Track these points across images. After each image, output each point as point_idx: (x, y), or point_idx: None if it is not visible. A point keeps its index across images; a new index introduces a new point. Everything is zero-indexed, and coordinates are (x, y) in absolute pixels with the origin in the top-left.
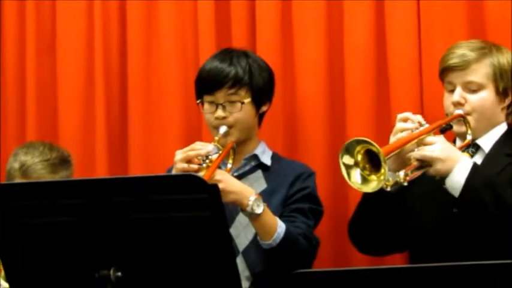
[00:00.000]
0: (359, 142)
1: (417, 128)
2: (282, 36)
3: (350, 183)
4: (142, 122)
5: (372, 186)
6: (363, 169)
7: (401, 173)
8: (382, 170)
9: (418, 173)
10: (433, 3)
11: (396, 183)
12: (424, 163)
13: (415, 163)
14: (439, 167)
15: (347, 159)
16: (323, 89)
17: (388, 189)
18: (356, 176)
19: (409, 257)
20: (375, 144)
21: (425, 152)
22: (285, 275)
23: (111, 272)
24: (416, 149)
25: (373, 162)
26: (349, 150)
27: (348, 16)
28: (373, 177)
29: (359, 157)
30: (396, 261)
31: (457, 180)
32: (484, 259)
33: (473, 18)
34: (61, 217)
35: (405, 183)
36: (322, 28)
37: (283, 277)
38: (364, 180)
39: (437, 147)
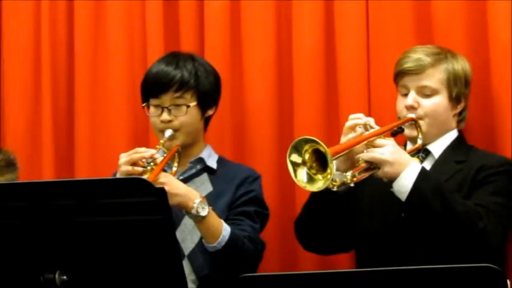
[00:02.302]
0: (307, 141)
1: (367, 128)
2: (231, 39)
3: (296, 181)
4: (89, 125)
5: (317, 186)
6: (310, 168)
7: (349, 174)
8: (329, 170)
9: (365, 175)
10: (381, 4)
11: (343, 183)
12: (373, 165)
13: (363, 164)
14: (387, 169)
15: (295, 158)
16: (271, 92)
17: (335, 189)
18: (302, 174)
19: (355, 257)
20: (322, 144)
21: (374, 154)
22: (231, 278)
23: (57, 275)
24: (365, 151)
25: (320, 162)
26: (297, 149)
27: (296, 18)
28: (319, 176)
29: (306, 156)
30: (344, 261)
31: (404, 185)
32: (430, 263)
33: (421, 18)
34: (6, 220)
35: (352, 184)
36: (270, 31)
37: (229, 280)
38: (310, 179)
39: (386, 150)
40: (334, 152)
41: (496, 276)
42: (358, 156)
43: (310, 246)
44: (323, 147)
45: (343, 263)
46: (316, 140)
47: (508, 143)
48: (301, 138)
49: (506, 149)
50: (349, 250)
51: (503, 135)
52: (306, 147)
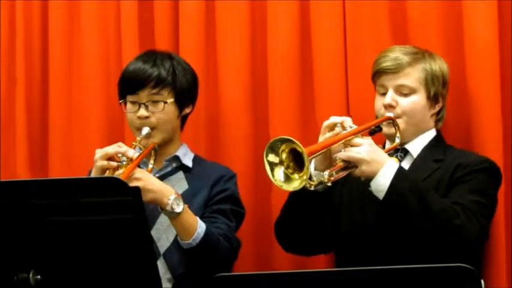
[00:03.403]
0: (283, 141)
1: (344, 128)
2: (206, 38)
3: (273, 180)
4: (64, 124)
5: (294, 185)
6: (287, 167)
7: (326, 173)
8: (305, 170)
9: (343, 174)
10: (358, 4)
11: (320, 182)
12: (350, 164)
13: (340, 164)
14: (364, 168)
15: (272, 158)
16: (246, 91)
17: (312, 188)
18: (279, 174)
19: (335, 258)
20: (299, 143)
21: (351, 153)
22: (207, 277)
23: (31, 275)
24: (343, 150)
25: (297, 161)
26: (273, 149)
27: (271, 17)
28: (296, 176)
29: (284, 156)
30: (320, 262)
31: (382, 183)
32: (410, 263)
33: (397, 18)
34: None
35: (329, 184)
36: (245, 30)
37: (204, 279)
38: (287, 178)
39: (363, 149)
40: (310, 152)
41: (470, 276)
42: (336, 155)
43: (290, 248)
44: (299, 147)
45: (318, 263)
46: (293, 139)
47: (484, 142)
48: (277, 138)
49: (482, 148)
50: (329, 251)
51: (479, 134)
52: (283, 147)
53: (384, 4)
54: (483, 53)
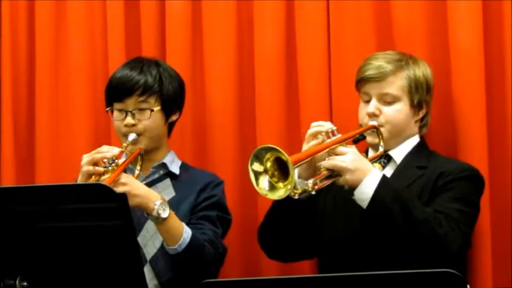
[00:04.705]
0: (268, 149)
1: (329, 135)
2: (192, 39)
3: (257, 189)
4: (50, 130)
5: (278, 194)
6: (272, 176)
7: (310, 182)
8: (290, 179)
9: (327, 182)
10: (342, 4)
11: (304, 191)
12: (334, 173)
13: (325, 172)
14: (348, 177)
15: (256, 166)
16: (232, 97)
17: (296, 197)
18: (264, 182)
19: (318, 265)
20: (283, 152)
21: (335, 161)
22: (193, 283)
23: (17, 281)
24: (327, 159)
25: (282, 170)
26: (258, 157)
27: (257, 17)
28: (281, 184)
29: (268, 164)
30: (306, 268)
31: (365, 192)
32: (393, 269)
33: (381, 19)
34: None
35: (313, 192)
36: (232, 32)
37: (191, 285)
38: (272, 187)
39: (347, 158)
40: (295, 161)
41: (456, 281)
42: (320, 164)
43: (273, 254)
44: (284, 155)
45: (305, 270)
46: (278, 148)
47: (469, 147)
48: (262, 147)
49: (467, 153)
50: (312, 257)
51: (464, 139)
52: (268, 155)
53: (368, 4)
54: (468, 57)
